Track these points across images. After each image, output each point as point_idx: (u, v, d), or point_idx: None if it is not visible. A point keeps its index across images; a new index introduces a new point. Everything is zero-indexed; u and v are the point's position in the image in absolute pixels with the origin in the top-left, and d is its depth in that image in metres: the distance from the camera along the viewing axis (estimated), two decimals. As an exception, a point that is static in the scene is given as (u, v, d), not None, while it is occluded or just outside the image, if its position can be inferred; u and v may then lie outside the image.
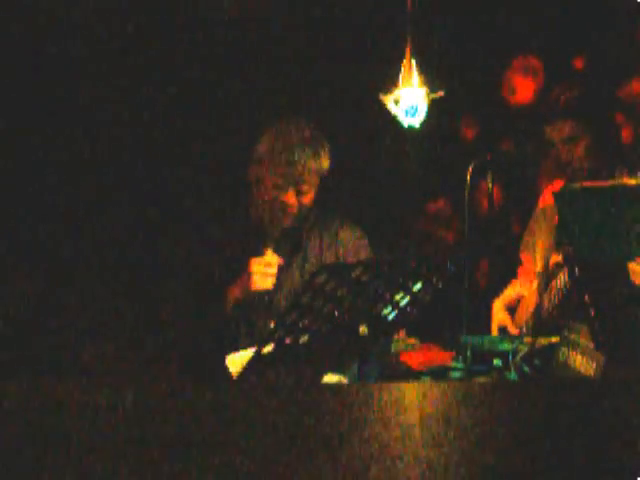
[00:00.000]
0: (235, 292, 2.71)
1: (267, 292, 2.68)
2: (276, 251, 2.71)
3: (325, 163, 2.76)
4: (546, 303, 2.86)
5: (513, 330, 2.97)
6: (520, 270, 3.19)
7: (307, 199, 2.78)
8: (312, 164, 2.73)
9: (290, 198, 2.74)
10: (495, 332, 2.98)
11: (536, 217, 3.18)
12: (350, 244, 2.90)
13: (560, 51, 4.13)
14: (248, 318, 2.74)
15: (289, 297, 2.71)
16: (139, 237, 3.98)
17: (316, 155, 2.74)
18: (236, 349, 2.41)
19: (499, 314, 3.04)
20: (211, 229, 2.89)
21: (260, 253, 2.69)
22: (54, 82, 3.90)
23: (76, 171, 3.96)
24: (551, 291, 2.86)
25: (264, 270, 2.65)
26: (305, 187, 2.75)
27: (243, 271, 2.69)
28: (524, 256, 3.19)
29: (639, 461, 1.01)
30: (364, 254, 2.91)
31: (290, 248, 2.82)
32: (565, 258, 2.76)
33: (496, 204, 4.16)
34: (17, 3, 3.80)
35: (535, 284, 3.02)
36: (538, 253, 3.08)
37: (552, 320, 2.81)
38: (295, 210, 2.77)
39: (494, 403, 1.38)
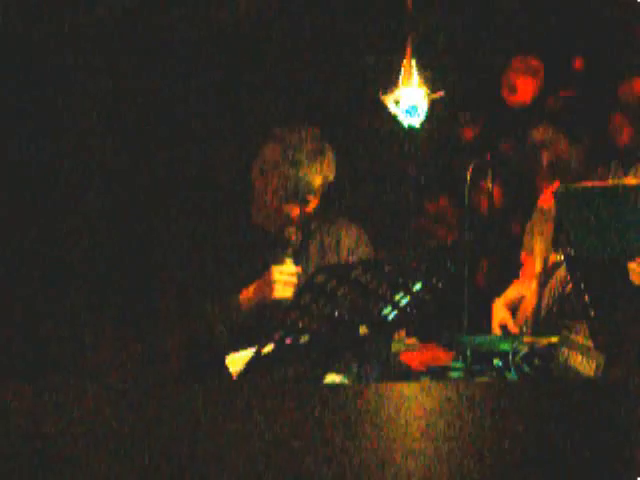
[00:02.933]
0: (249, 298, 2.69)
1: (286, 301, 2.66)
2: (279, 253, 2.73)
3: (330, 175, 2.76)
4: (544, 301, 2.86)
5: (514, 329, 2.97)
6: (522, 271, 3.19)
7: (310, 209, 2.78)
8: (318, 178, 2.73)
9: (294, 210, 2.74)
10: (496, 331, 2.98)
11: (536, 218, 3.19)
12: (352, 245, 2.89)
13: (560, 51, 4.13)
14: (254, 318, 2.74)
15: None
16: (142, 238, 3.98)
17: (322, 168, 2.73)
18: (236, 349, 2.41)
19: (500, 313, 3.04)
20: (214, 233, 2.88)
21: (275, 261, 2.69)
22: (50, 79, 3.90)
23: (78, 173, 3.95)
24: (549, 290, 2.86)
25: (286, 279, 2.64)
26: (309, 198, 2.75)
27: (251, 275, 2.69)
28: (525, 257, 3.19)
29: (639, 461, 1.01)
30: (366, 255, 2.90)
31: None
32: (565, 258, 2.76)
33: (496, 204, 4.16)
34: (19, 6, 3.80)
35: (535, 284, 3.02)
36: (538, 254, 3.08)
37: (552, 320, 2.81)
38: (298, 221, 2.77)
39: (494, 403, 1.38)
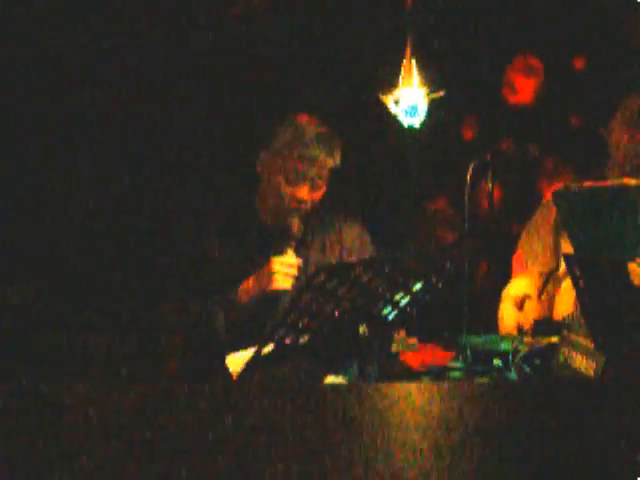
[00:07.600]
0: (248, 289, 2.70)
1: (285, 293, 2.68)
2: (278, 250, 2.74)
3: (337, 159, 2.80)
4: (574, 309, 2.83)
5: (530, 328, 2.93)
6: (516, 267, 3.17)
7: (318, 195, 2.80)
8: (327, 160, 2.76)
9: (303, 193, 2.76)
10: (514, 333, 2.95)
11: (536, 217, 3.17)
12: (353, 243, 2.90)
13: (560, 51, 4.14)
14: (253, 317, 2.74)
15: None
16: (143, 233, 3.98)
17: (330, 152, 2.77)
18: (236, 349, 2.41)
19: (513, 315, 3.01)
20: (216, 227, 2.89)
21: (273, 252, 2.70)
22: (50, 75, 3.90)
23: (81, 166, 3.95)
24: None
25: (286, 270, 2.66)
26: (319, 183, 2.78)
27: (252, 268, 2.70)
28: (521, 254, 3.18)
29: (639, 461, 1.01)
30: (367, 253, 2.91)
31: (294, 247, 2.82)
32: (565, 258, 2.75)
33: (496, 204, 4.16)
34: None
35: (539, 283, 3.00)
36: (541, 254, 3.07)
37: (552, 320, 2.80)
38: (307, 206, 2.78)
39: (494, 403, 1.38)
